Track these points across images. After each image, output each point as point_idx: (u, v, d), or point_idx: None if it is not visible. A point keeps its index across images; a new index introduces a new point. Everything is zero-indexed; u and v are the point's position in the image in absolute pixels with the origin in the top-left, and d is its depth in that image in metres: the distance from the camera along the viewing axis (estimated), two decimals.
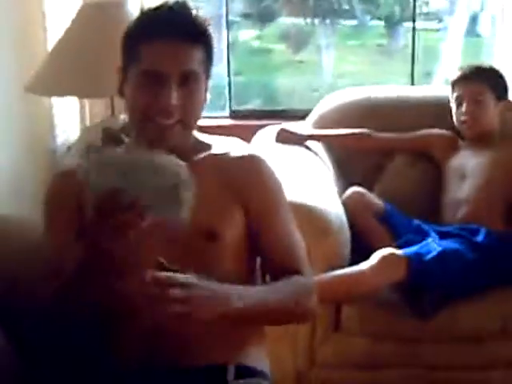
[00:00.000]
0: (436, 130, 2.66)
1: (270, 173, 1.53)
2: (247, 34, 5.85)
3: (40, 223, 1.54)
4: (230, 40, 3.73)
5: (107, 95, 2.38)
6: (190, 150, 1.49)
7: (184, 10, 1.40)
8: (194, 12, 1.40)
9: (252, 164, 1.51)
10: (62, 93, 2.39)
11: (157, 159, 1.27)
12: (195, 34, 1.40)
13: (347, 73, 5.64)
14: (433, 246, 2.27)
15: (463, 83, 2.60)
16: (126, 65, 1.46)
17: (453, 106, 2.61)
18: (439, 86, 3.05)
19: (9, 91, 2.60)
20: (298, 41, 5.92)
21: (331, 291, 2.09)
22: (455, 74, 2.63)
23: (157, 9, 1.41)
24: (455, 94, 2.61)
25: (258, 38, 5.98)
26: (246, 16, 5.53)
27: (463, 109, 2.57)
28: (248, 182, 1.48)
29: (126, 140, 1.92)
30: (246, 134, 2.53)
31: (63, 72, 2.30)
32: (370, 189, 2.56)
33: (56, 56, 2.38)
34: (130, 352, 1.42)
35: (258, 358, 1.49)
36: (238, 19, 5.32)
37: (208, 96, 1.49)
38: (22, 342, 1.53)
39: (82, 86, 2.28)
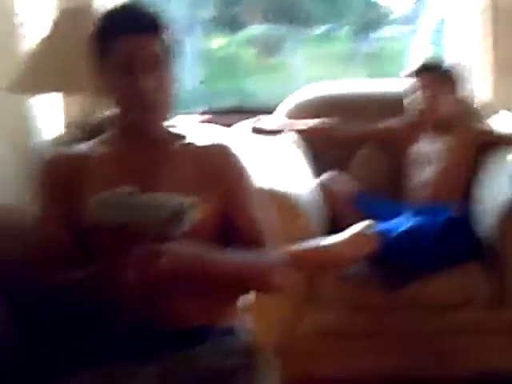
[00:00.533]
0: (395, 120, 2.82)
1: (235, 159, 1.67)
2: (217, 41, 5.99)
3: (27, 212, 1.65)
4: (201, 46, 3.87)
5: (85, 90, 2.50)
6: (167, 140, 1.63)
7: (139, 7, 1.56)
8: (147, 8, 1.58)
9: (220, 152, 1.64)
10: (42, 90, 2.51)
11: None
12: (152, 27, 1.55)
13: (317, 78, 5.77)
14: (403, 221, 2.45)
15: (424, 73, 2.79)
16: (98, 62, 1.60)
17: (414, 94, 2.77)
18: (397, 80, 3.19)
19: None
20: (267, 46, 6.07)
21: (305, 259, 2.24)
22: (417, 64, 2.80)
23: (117, 8, 1.57)
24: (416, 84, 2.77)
25: (228, 44, 6.14)
26: (215, 22, 5.67)
27: (424, 95, 2.74)
28: (217, 168, 1.62)
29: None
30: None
31: (42, 71, 2.42)
32: None
33: (34, 56, 2.51)
34: (122, 317, 1.56)
35: (239, 318, 1.68)
36: (207, 25, 5.45)
37: (176, 86, 1.61)
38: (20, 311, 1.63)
39: (60, 83, 2.41)
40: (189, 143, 1.69)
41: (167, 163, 1.63)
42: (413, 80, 2.80)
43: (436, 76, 2.79)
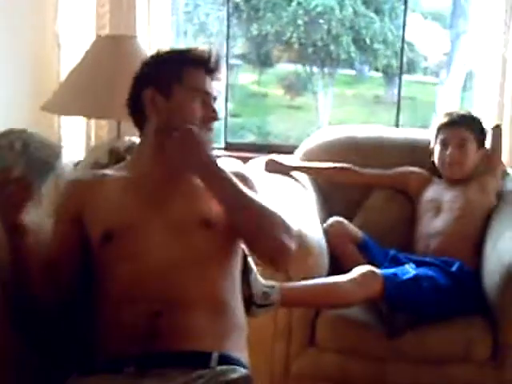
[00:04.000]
0: (412, 168, 2.91)
1: (251, 183, 1.83)
2: (246, 78, 6.20)
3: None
4: (230, 82, 4.08)
5: (115, 117, 2.71)
6: None
7: (213, 52, 1.82)
8: (218, 58, 1.84)
9: (237, 175, 1.78)
10: (75, 113, 2.73)
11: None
12: (217, 76, 1.85)
13: (342, 120, 5.87)
14: (408, 270, 2.54)
15: (450, 128, 2.82)
16: (164, 84, 1.77)
17: (437, 148, 2.86)
18: (419, 130, 3.33)
19: (24, 110, 3.03)
20: (295, 85, 6.25)
21: (312, 296, 2.33)
22: (442, 118, 2.91)
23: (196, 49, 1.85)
24: (441, 137, 2.84)
25: (257, 82, 6.35)
26: (245, 59, 5.88)
27: (448, 152, 2.80)
28: None
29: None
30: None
31: (77, 94, 2.64)
32: (350, 221, 2.83)
33: (72, 80, 2.73)
34: (127, 336, 1.62)
35: (239, 348, 1.70)
36: (238, 62, 5.67)
37: None
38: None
39: (93, 108, 2.63)
40: None
41: (184, 183, 1.75)
42: (438, 132, 2.87)
43: (461, 130, 2.82)
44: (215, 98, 1.83)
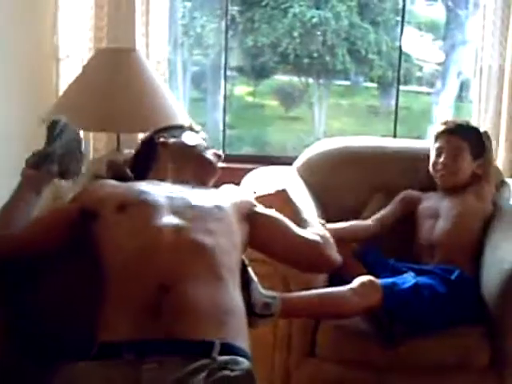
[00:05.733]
0: (401, 195, 2.94)
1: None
2: (241, 89, 6.24)
3: None
4: (225, 93, 4.12)
5: (115, 131, 2.75)
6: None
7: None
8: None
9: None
10: (75, 125, 2.75)
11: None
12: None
13: (338, 131, 5.90)
14: (408, 279, 2.56)
15: (446, 136, 2.85)
16: (173, 131, 2.19)
17: (432, 155, 2.90)
18: (417, 140, 3.38)
19: (24, 123, 3.07)
20: (290, 98, 6.28)
21: (312, 306, 2.34)
22: (440, 126, 2.94)
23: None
24: (437, 145, 2.88)
25: (252, 93, 6.39)
26: (241, 71, 5.92)
27: (441, 160, 2.84)
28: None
29: (129, 173, 2.30)
30: (237, 177, 2.88)
31: (77, 107, 2.68)
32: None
33: (71, 93, 2.77)
34: (132, 313, 1.68)
35: (241, 336, 1.73)
36: (233, 74, 5.70)
37: None
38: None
39: (93, 121, 2.66)
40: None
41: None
42: (435, 139, 2.89)
43: (456, 139, 2.85)
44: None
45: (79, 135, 2.10)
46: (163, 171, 2.07)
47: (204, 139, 2.21)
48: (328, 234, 2.07)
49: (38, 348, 1.81)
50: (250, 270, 2.04)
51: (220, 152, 2.18)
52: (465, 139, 2.84)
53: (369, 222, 2.86)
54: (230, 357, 1.61)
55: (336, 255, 2.03)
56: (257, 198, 2.10)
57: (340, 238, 2.64)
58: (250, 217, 1.97)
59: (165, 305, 1.65)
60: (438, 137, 2.88)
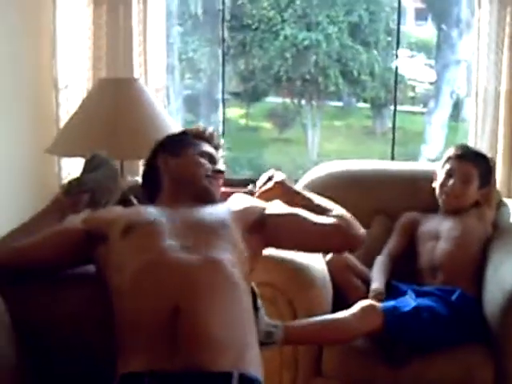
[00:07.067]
0: (405, 219, 3.02)
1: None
2: (235, 112, 6.31)
3: None
4: (219, 117, 4.20)
5: (118, 158, 2.81)
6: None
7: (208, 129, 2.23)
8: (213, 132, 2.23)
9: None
10: (78, 154, 2.83)
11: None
12: (217, 144, 2.22)
13: (332, 152, 6.01)
14: (409, 301, 2.61)
15: (459, 160, 2.92)
16: (174, 150, 2.14)
17: (440, 175, 2.96)
18: (415, 162, 3.46)
19: (25, 152, 3.19)
20: (284, 120, 6.35)
21: (314, 333, 2.42)
22: (455, 149, 3.02)
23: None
24: (447, 167, 2.94)
25: (245, 116, 6.46)
26: (234, 94, 5.98)
27: (450, 182, 2.91)
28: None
29: (134, 200, 2.36)
30: None
31: (80, 136, 2.75)
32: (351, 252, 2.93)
33: (74, 122, 2.85)
34: (146, 351, 1.70)
35: (257, 368, 1.77)
36: (226, 97, 5.77)
37: None
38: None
39: (97, 149, 2.73)
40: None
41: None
42: (447, 161, 2.97)
43: (469, 165, 2.93)
44: (216, 161, 2.17)
45: (117, 173, 2.15)
46: (167, 193, 2.09)
47: (211, 141, 2.20)
48: (346, 213, 2.04)
49: None
50: (258, 298, 2.05)
51: (221, 167, 2.17)
52: (476, 167, 2.92)
53: (380, 258, 2.90)
54: None
55: (359, 231, 2.01)
56: (258, 196, 2.14)
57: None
58: (260, 222, 1.97)
59: (180, 332, 1.67)
60: (450, 158, 2.95)
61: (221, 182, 2.16)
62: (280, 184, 2.17)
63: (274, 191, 2.16)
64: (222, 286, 1.79)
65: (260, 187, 2.20)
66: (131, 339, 1.72)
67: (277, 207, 2.06)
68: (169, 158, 2.11)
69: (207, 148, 2.17)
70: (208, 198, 2.06)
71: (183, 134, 2.26)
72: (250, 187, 2.19)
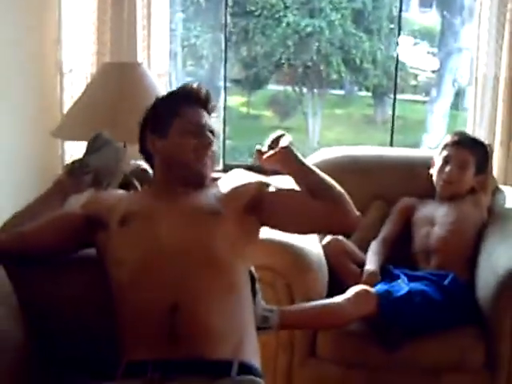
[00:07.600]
0: (401, 204, 3.07)
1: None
2: (236, 100, 6.37)
3: None
4: (221, 104, 4.23)
5: (121, 140, 2.87)
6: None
7: (204, 90, 2.06)
8: (207, 91, 2.06)
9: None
10: (82, 138, 2.88)
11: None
12: (210, 107, 2.08)
13: (332, 141, 6.00)
14: (402, 285, 2.68)
15: (456, 147, 2.97)
16: (161, 129, 2.02)
17: (438, 162, 3.01)
18: (413, 149, 3.51)
19: (30, 136, 3.26)
20: (285, 108, 6.38)
21: (310, 318, 2.46)
22: (451, 136, 3.08)
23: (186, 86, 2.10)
24: (444, 154, 2.99)
25: (247, 104, 6.54)
26: (235, 82, 6.01)
27: (447, 169, 2.96)
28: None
29: (136, 183, 2.41)
30: None
31: (85, 119, 2.81)
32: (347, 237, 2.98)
33: (79, 106, 2.90)
34: (149, 343, 1.75)
35: (255, 356, 1.83)
36: (227, 84, 5.80)
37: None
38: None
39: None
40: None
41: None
42: (444, 147, 3.00)
43: (466, 152, 2.98)
44: (212, 132, 2.03)
45: (121, 154, 2.16)
46: (159, 174, 2.04)
47: (206, 104, 2.06)
48: (342, 190, 1.95)
49: (68, 371, 1.88)
50: (257, 282, 2.09)
51: (210, 136, 2.03)
52: (473, 154, 2.97)
53: (375, 242, 2.95)
54: (247, 377, 1.72)
55: (356, 213, 1.91)
56: (262, 161, 2.05)
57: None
58: (256, 200, 1.93)
59: (180, 323, 1.72)
60: (447, 145, 3.00)
61: (211, 152, 2.01)
62: (285, 150, 2.01)
63: (278, 156, 2.01)
64: (220, 276, 1.81)
65: (268, 147, 2.08)
66: (132, 329, 1.78)
67: (275, 183, 2.00)
68: (156, 139, 2.01)
69: (198, 118, 2.02)
70: (201, 181, 2.00)
71: (172, 100, 2.08)
72: (257, 146, 2.07)
